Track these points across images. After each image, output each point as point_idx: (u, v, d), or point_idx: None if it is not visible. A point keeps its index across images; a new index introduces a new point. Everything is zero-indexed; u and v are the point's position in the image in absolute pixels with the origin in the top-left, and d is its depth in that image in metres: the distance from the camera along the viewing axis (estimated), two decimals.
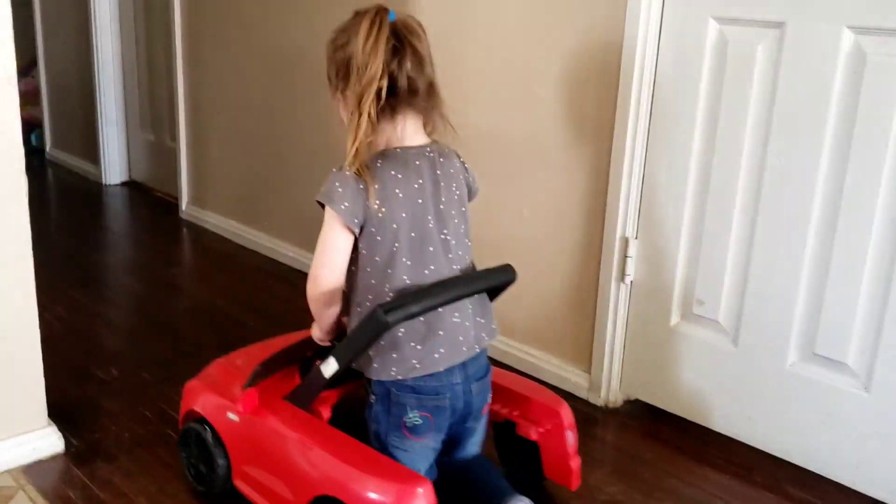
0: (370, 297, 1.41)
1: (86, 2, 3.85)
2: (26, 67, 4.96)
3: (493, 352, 2.27)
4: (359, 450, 1.41)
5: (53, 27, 4.34)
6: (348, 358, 1.42)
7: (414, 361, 1.39)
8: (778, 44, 1.67)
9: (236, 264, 3.07)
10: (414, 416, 1.41)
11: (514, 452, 1.70)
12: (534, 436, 1.62)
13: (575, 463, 1.63)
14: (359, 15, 1.35)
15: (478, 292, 1.48)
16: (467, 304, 1.45)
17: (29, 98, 4.91)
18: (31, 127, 4.79)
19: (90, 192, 4.08)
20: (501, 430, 1.70)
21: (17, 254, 1.64)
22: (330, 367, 1.44)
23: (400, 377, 1.39)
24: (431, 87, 1.40)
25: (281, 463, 1.48)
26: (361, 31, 1.32)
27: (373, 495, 1.31)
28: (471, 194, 1.53)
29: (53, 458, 1.76)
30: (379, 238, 1.40)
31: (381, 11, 1.33)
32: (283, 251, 2.99)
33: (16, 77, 1.58)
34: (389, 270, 1.40)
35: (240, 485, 1.58)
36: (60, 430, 1.83)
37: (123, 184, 4.16)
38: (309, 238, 2.82)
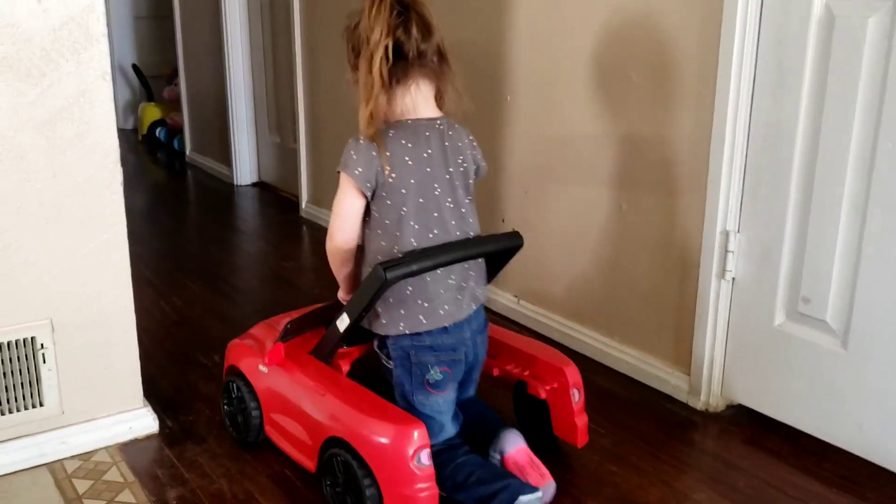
0: (380, 256, 1.51)
1: (218, 16, 4.04)
2: (171, 76, 5.27)
3: (593, 352, 2.21)
4: (366, 398, 1.53)
5: (192, 39, 4.58)
6: (356, 311, 1.53)
7: (421, 317, 1.51)
8: (891, 16, 1.53)
9: None
10: (435, 373, 1.53)
11: (527, 411, 1.78)
12: (542, 394, 1.70)
13: (581, 420, 1.69)
14: None
15: (477, 256, 1.59)
16: (465, 266, 1.56)
17: (173, 105, 5.20)
18: (174, 132, 5.08)
19: (223, 192, 4.27)
20: (516, 391, 1.79)
21: (113, 242, 1.72)
22: (343, 320, 1.56)
23: (408, 332, 1.51)
24: (441, 56, 1.48)
25: (300, 409, 1.62)
26: (366, 6, 1.43)
27: (373, 436, 1.44)
28: (478, 172, 1.63)
29: (148, 437, 1.83)
30: (389, 202, 1.50)
31: None
32: None
33: (110, 73, 1.65)
34: (398, 233, 1.50)
35: (270, 432, 1.72)
36: (159, 411, 1.91)
37: (253, 184, 4.33)
38: None
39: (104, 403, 1.79)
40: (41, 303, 1.67)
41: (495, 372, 1.77)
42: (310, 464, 1.61)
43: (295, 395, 1.64)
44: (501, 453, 1.58)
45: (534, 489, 1.46)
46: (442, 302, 1.52)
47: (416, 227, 1.51)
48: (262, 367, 1.71)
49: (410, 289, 1.50)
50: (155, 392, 1.99)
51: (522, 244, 1.64)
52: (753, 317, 1.85)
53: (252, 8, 3.99)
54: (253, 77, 4.16)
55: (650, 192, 2.02)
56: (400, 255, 1.49)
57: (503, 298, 2.53)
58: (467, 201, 1.58)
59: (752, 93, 1.76)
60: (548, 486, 1.54)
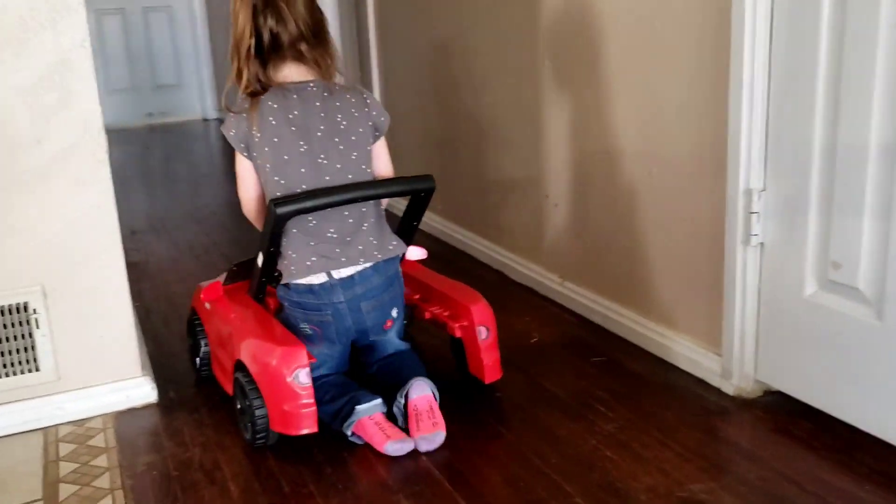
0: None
1: None
2: None
3: (628, 332, 2.03)
4: (267, 325, 1.65)
5: None
6: (262, 247, 1.63)
7: (292, 268, 1.62)
8: None
9: None
10: (305, 328, 1.65)
11: (453, 350, 1.84)
12: (457, 333, 1.77)
13: (488, 357, 1.73)
14: None
15: (374, 197, 1.65)
16: (349, 220, 1.63)
17: None
18: None
19: None
20: (443, 332, 1.83)
21: (102, 208, 1.74)
22: (259, 257, 1.67)
23: (284, 279, 1.63)
24: (306, 41, 1.61)
25: (224, 338, 1.76)
26: None
27: (259, 355, 1.57)
28: (378, 128, 1.71)
29: (146, 406, 1.83)
30: (258, 160, 1.64)
31: None
32: (452, 233, 2.92)
33: (89, 41, 1.66)
34: (269, 188, 1.63)
35: (214, 367, 1.85)
36: (167, 382, 1.91)
37: None
38: (477, 222, 2.76)
39: (101, 371, 1.81)
40: (32, 268, 1.71)
41: (427, 315, 1.86)
42: (229, 388, 1.73)
43: (222, 326, 1.78)
44: (406, 399, 1.61)
45: (373, 397, 1.58)
46: (310, 254, 1.60)
47: (282, 182, 1.61)
48: (206, 305, 1.86)
49: (286, 240, 1.61)
50: (166, 361, 2.01)
51: (434, 187, 1.70)
52: (783, 287, 1.62)
53: (340, 5, 4.02)
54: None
55: (675, 155, 1.82)
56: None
57: (547, 280, 2.38)
58: (352, 157, 1.65)
59: (770, 35, 1.55)
60: (436, 434, 1.58)
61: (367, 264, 1.63)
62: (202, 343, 1.89)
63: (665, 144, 1.85)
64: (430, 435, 1.57)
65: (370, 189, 1.65)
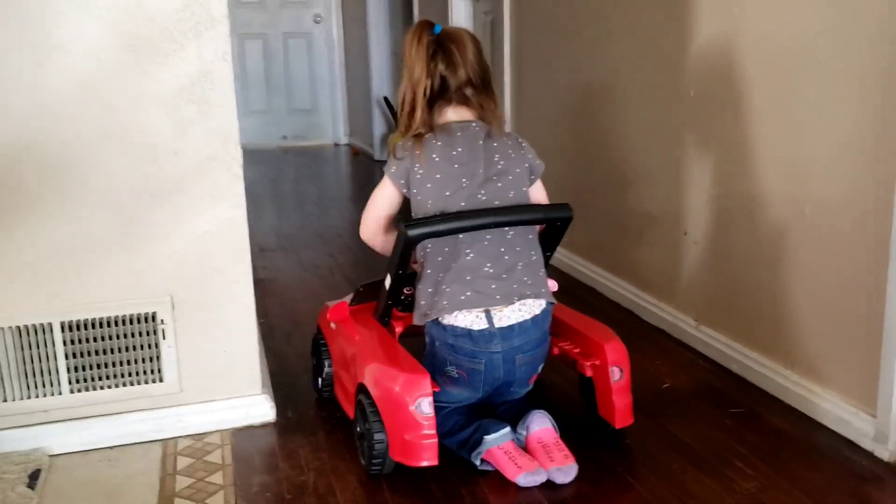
0: (424, 241, 1.62)
1: (447, 22, 4.11)
2: None
3: (769, 384, 1.88)
4: (392, 351, 1.62)
5: None
6: (391, 270, 1.64)
7: (444, 302, 1.59)
8: None
9: None
10: (451, 370, 1.61)
11: (584, 391, 1.76)
12: (588, 371, 1.69)
13: (620, 400, 1.65)
14: (411, 28, 1.69)
15: (509, 223, 1.62)
16: (505, 257, 1.61)
17: None
18: None
19: None
20: (572, 369, 1.76)
21: (234, 221, 1.74)
22: (386, 279, 1.67)
23: (430, 313, 1.60)
24: (473, 86, 1.66)
25: (347, 359, 1.74)
26: (407, 43, 1.66)
27: (382, 381, 1.55)
28: (534, 170, 1.72)
29: (263, 425, 1.81)
30: (419, 197, 1.64)
31: (422, 26, 1.67)
32: (580, 267, 2.81)
33: (230, 55, 1.67)
34: None
35: (337, 392, 1.84)
36: (285, 401, 1.90)
37: None
38: (607, 258, 2.64)
39: (222, 386, 1.80)
40: (162, 279, 1.72)
41: (555, 351, 1.77)
42: (350, 411, 1.71)
43: (347, 347, 1.76)
44: (526, 431, 1.59)
45: (501, 426, 1.55)
46: (465, 288, 1.58)
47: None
48: (332, 325, 1.84)
49: (441, 275, 1.60)
50: (286, 380, 2.00)
51: (571, 216, 1.67)
52: None
53: (477, 33, 4.01)
54: None
55: (832, 197, 1.67)
56: (430, 244, 1.61)
57: (682, 322, 2.24)
58: (510, 196, 1.65)
59: None
60: (570, 467, 1.54)
61: (525, 315, 1.60)
62: (326, 363, 1.88)
63: (821, 184, 1.71)
64: (566, 467, 1.53)
65: (504, 215, 1.61)
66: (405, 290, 1.72)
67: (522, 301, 1.60)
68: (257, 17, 6.35)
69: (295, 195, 4.86)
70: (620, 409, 1.65)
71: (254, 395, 1.82)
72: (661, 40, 2.24)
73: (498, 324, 1.58)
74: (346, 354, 1.76)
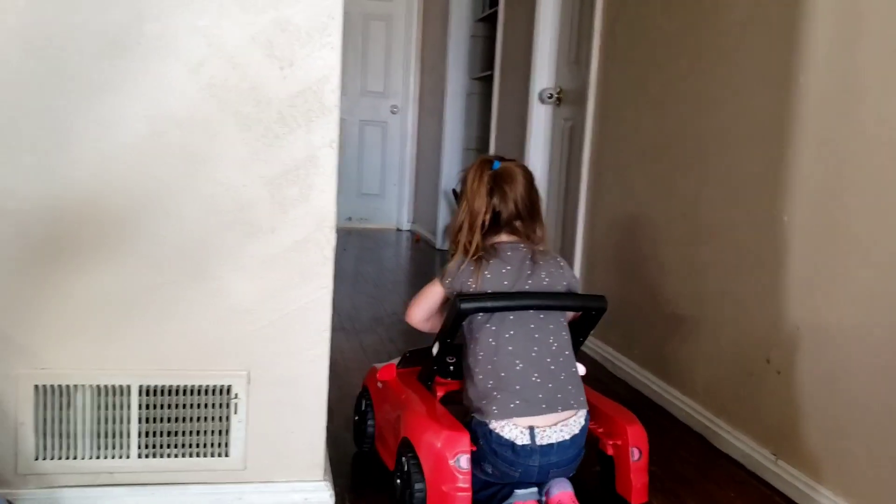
0: (476, 348, 1.79)
1: (523, 147, 4.15)
2: None
3: None
4: (437, 410, 1.78)
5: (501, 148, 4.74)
6: (440, 338, 1.86)
7: (494, 408, 1.71)
8: None
9: None
10: (487, 468, 1.72)
11: (602, 467, 1.89)
12: (609, 450, 1.85)
13: (638, 479, 1.80)
14: (474, 163, 1.91)
15: (553, 308, 1.81)
16: (551, 367, 1.75)
17: None
18: None
19: None
20: (596, 448, 1.89)
21: (319, 302, 1.75)
22: (435, 346, 1.88)
23: (480, 415, 1.72)
24: (521, 218, 1.85)
25: (393, 416, 1.89)
26: (470, 176, 1.87)
27: (425, 435, 1.70)
28: (572, 288, 1.88)
29: None
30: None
31: (484, 163, 1.88)
32: (649, 383, 2.75)
33: (337, 142, 1.71)
34: (482, 335, 1.78)
35: (377, 444, 2.04)
36: (341, 484, 1.87)
37: None
38: (680, 376, 2.59)
39: (286, 468, 1.78)
40: (241, 352, 1.72)
41: None
42: (391, 463, 1.86)
43: (392, 405, 1.93)
44: (548, 494, 1.72)
45: (531, 485, 1.71)
46: (514, 397, 1.71)
47: (493, 328, 1.76)
48: (378, 384, 2.04)
49: (492, 382, 1.73)
50: (346, 466, 1.97)
51: (606, 307, 1.84)
52: None
53: (555, 139, 4.05)
54: (546, 204, 4.17)
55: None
56: (482, 352, 1.77)
57: (758, 454, 2.16)
58: (553, 311, 1.82)
59: None
60: None
61: (565, 435, 1.71)
62: (370, 420, 2.07)
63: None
64: None
65: (546, 300, 1.80)
66: (448, 359, 1.93)
67: (565, 417, 1.73)
68: None
69: (357, 276, 4.89)
70: (637, 487, 1.80)
71: (316, 481, 1.79)
72: (756, 164, 2.24)
73: (539, 441, 1.70)
74: (390, 411, 1.94)
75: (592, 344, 3.24)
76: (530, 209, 1.87)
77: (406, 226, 7.00)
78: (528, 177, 1.89)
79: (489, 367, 1.75)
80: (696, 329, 2.52)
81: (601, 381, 2.98)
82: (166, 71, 1.62)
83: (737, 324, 2.31)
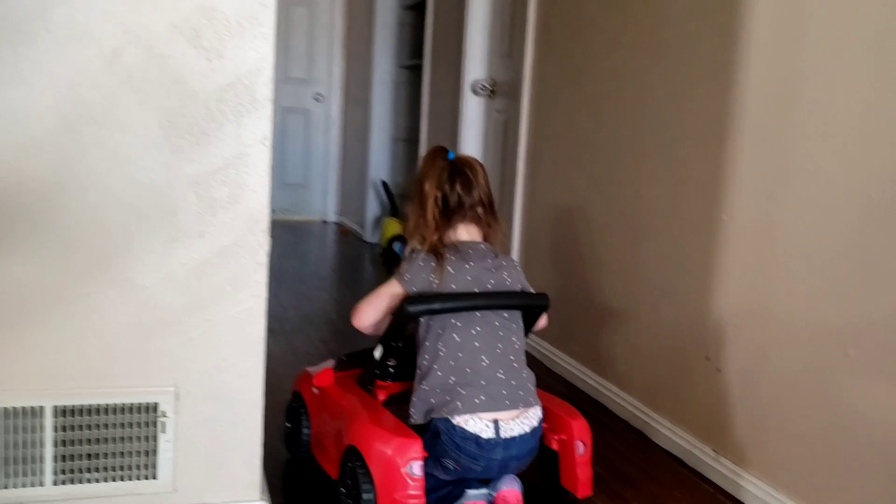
0: (438, 345, 1.76)
1: (456, 139, 4.08)
2: None
3: None
4: (382, 416, 1.74)
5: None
6: (384, 341, 1.83)
7: (458, 403, 1.68)
8: None
9: None
10: (449, 463, 1.70)
11: (545, 462, 1.88)
12: (554, 445, 1.85)
13: (583, 472, 1.81)
14: (426, 153, 1.90)
15: (501, 307, 1.79)
16: (514, 364, 1.76)
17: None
18: (400, 238, 5.15)
19: None
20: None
21: (252, 312, 1.63)
22: (377, 349, 1.85)
23: (442, 411, 1.69)
24: (483, 206, 1.84)
25: (334, 423, 1.85)
26: (424, 164, 1.87)
27: (376, 444, 1.65)
28: (525, 288, 1.88)
29: None
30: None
31: (439, 150, 1.88)
32: (587, 379, 2.72)
33: (270, 139, 1.60)
34: (440, 331, 1.75)
35: (313, 446, 1.98)
36: (277, 499, 1.78)
37: None
38: (620, 374, 2.56)
39: (219, 489, 1.66)
40: (170, 367, 1.59)
41: None
42: (334, 472, 1.81)
43: (331, 411, 1.88)
44: (495, 490, 1.71)
45: (481, 486, 1.70)
46: (479, 392, 1.70)
47: (458, 324, 1.74)
48: (314, 389, 1.97)
49: (454, 378, 1.71)
50: (280, 478, 1.90)
51: (546, 305, 1.86)
52: None
53: (488, 131, 3.99)
54: None
55: (882, 333, 1.61)
56: (444, 349, 1.73)
57: (698, 451, 2.14)
58: (515, 311, 1.83)
59: None
60: None
61: (526, 427, 1.71)
62: (304, 427, 2.00)
63: (871, 319, 1.64)
64: None
65: (491, 299, 1.79)
66: (388, 361, 1.88)
67: (525, 411, 1.74)
68: None
69: (282, 272, 4.75)
70: (583, 480, 1.81)
71: (253, 502, 1.68)
72: (696, 163, 2.21)
73: (503, 434, 1.69)
74: (331, 419, 1.89)
75: (529, 339, 3.18)
76: (490, 201, 1.86)
77: (332, 217, 6.85)
78: (485, 170, 1.89)
79: (452, 363, 1.73)
80: (635, 325, 2.49)
81: (538, 377, 2.93)
82: (79, 61, 1.47)
83: (675, 321, 2.28)
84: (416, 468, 1.62)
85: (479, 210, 1.85)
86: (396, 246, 5.31)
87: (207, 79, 1.54)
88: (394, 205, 5.59)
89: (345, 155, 6.66)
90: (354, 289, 4.73)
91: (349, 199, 6.51)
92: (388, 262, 5.30)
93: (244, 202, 1.59)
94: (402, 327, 1.77)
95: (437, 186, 1.82)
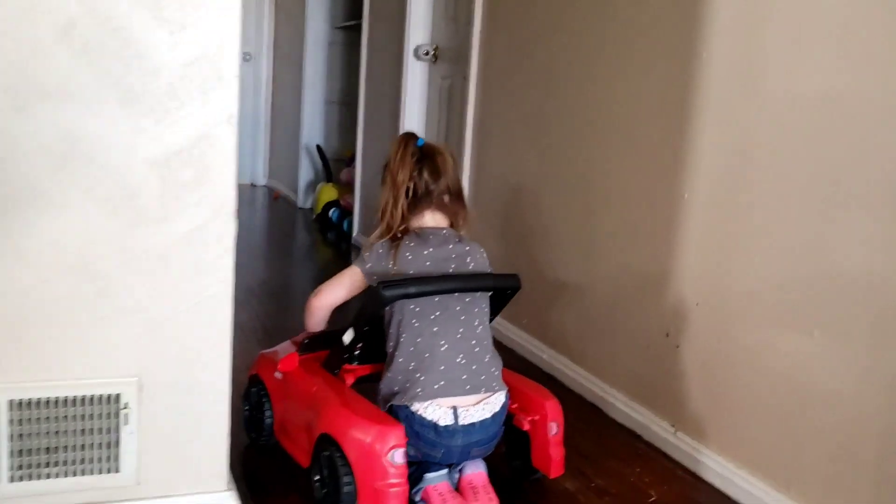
0: (399, 331, 1.74)
1: (398, 103, 4.00)
2: (351, 159, 5.35)
3: None
4: (357, 402, 1.70)
5: (372, 125, 4.58)
6: (355, 325, 1.76)
7: (418, 390, 1.68)
8: None
9: None
10: (409, 449, 1.65)
11: (514, 442, 1.88)
12: (525, 426, 1.83)
13: (556, 452, 1.82)
14: (396, 139, 1.86)
15: (475, 289, 1.79)
16: (476, 349, 1.74)
17: (349, 187, 5.25)
18: (346, 213, 5.09)
19: None
20: (507, 422, 1.81)
21: (219, 299, 1.57)
22: (348, 334, 1.78)
23: (402, 399, 1.68)
24: (449, 194, 1.83)
25: (302, 410, 1.80)
26: (393, 150, 1.83)
27: (355, 432, 1.61)
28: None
29: None
30: None
31: (409, 137, 1.85)
32: (541, 353, 2.73)
33: (236, 118, 1.53)
34: (405, 316, 1.73)
35: (278, 433, 1.93)
36: (248, 493, 1.73)
37: None
38: (574, 348, 2.58)
39: (185, 480, 1.60)
40: (131, 357, 1.52)
41: None
42: (305, 460, 1.77)
43: (299, 398, 1.83)
44: (460, 473, 1.72)
45: (440, 467, 1.69)
46: (439, 378, 1.68)
47: (417, 309, 1.72)
48: (277, 374, 1.90)
49: (413, 364, 1.70)
50: (250, 471, 1.85)
51: (519, 286, 1.84)
52: None
53: (431, 97, 3.93)
54: None
55: (847, 319, 1.65)
56: (409, 336, 1.71)
57: (657, 426, 2.18)
58: (477, 295, 1.80)
59: None
60: None
61: (486, 413, 1.70)
62: (266, 413, 1.94)
63: (835, 301, 1.68)
64: None
65: (464, 282, 1.79)
66: (357, 346, 1.86)
67: (487, 396, 1.72)
68: None
69: None
70: (556, 460, 1.82)
71: (219, 492, 1.63)
72: (655, 140, 2.21)
73: (462, 421, 1.68)
74: (298, 406, 1.83)
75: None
76: (457, 188, 1.87)
77: (262, 181, 6.71)
78: (455, 158, 1.89)
79: (411, 349, 1.72)
80: (590, 301, 2.50)
81: None
82: (30, 33, 1.37)
83: (633, 298, 2.30)
84: (398, 456, 1.59)
85: (446, 198, 1.85)
86: (333, 212, 5.23)
87: (170, 54, 1.45)
88: (328, 170, 5.49)
89: (275, 117, 6.50)
90: (295, 259, 4.64)
91: (280, 162, 6.37)
92: (323, 229, 5.21)
93: (209, 184, 1.52)
94: (377, 312, 1.74)
95: (410, 177, 1.81)
